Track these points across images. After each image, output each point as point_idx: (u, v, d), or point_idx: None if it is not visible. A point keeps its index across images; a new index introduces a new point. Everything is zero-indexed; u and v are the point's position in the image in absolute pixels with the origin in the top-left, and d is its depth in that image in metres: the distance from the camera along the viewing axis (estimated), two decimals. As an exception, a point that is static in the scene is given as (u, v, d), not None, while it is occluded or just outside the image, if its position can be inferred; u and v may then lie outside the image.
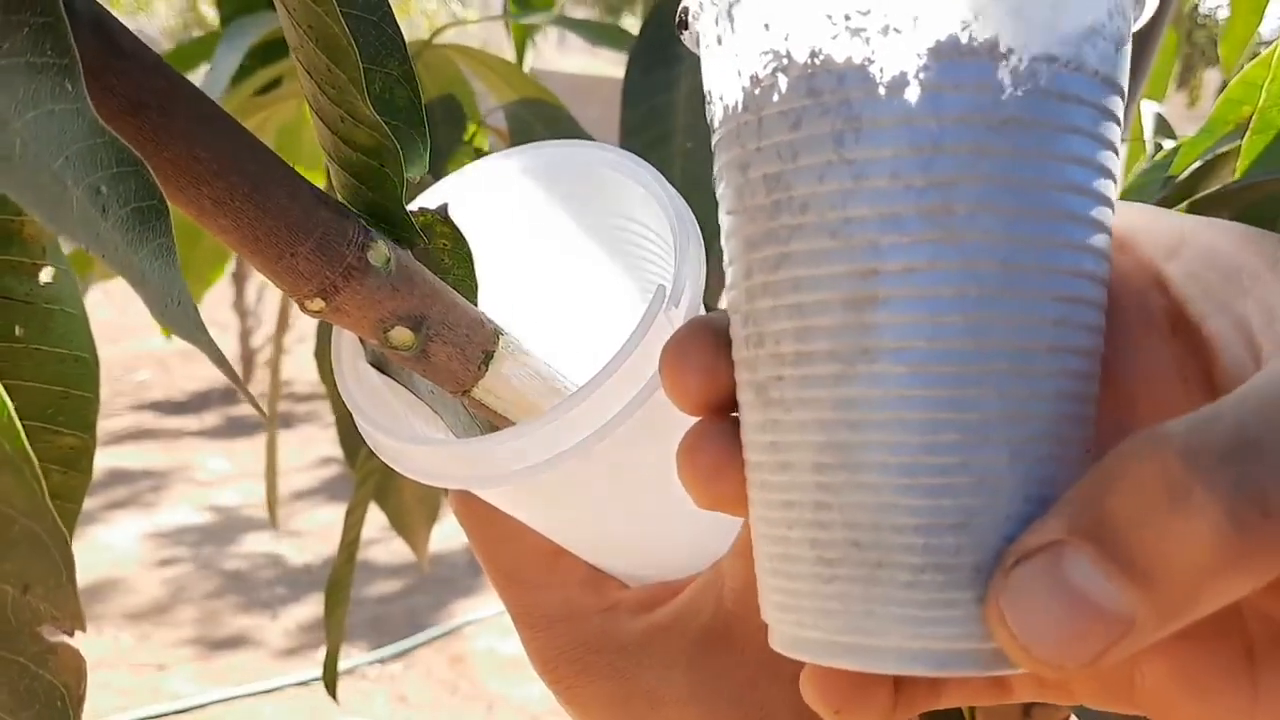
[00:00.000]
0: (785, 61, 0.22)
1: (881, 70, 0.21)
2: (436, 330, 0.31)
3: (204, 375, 4.60)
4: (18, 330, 0.36)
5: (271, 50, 0.95)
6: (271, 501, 0.92)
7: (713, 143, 0.25)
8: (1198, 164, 0.65)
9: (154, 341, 4.52)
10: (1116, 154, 0.23)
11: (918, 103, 0.21)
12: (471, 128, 0.82)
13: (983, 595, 0.21)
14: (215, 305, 4.33)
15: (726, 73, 0.23)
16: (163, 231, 0.20)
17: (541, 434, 0.31)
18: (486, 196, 0.37)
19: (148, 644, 2.69)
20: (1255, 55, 0.67)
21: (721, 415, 0.26)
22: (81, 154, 0.19)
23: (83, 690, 0.21)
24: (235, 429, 4.09)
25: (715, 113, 0.24)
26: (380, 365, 0.35)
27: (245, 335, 4.45)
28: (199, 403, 4.37)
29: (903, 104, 0.21)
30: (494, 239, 0.38)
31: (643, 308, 0.39)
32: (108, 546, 3.14)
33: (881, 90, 0.21)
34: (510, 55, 1.02)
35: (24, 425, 0.22)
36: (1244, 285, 0.23)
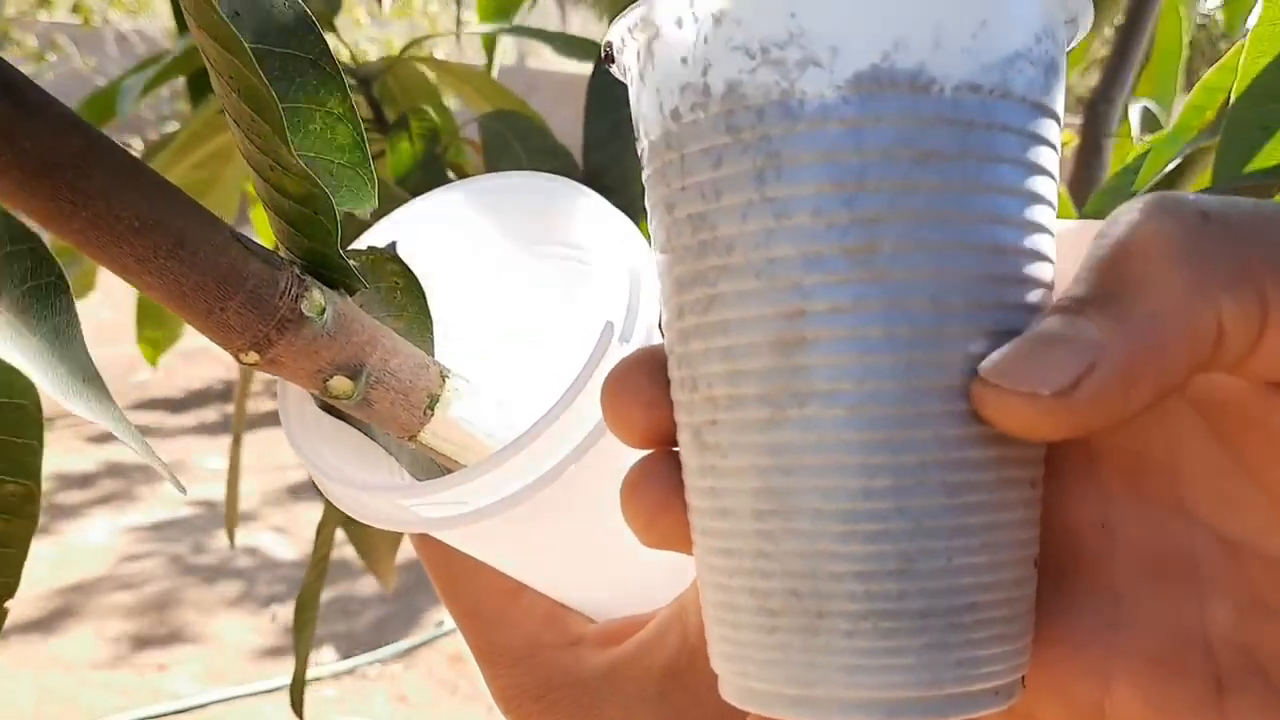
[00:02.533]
0: (705, 97, 0.21)
1: (801, 104, 0.20)
2: (378, 377, 0.31)
3: (203, 375, 4.60)
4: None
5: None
6: (231, 520, 0.91)
7: (643, 179, 0.24)
8: (1170, 168, 0.64)
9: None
10: (1053, 178, 0.22)
11: (838, 137, 0.20)
12: (446, 141, 0.81)
13: (931, 641, 0.21)
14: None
15: (650, 108, 0.22)
16: (63, 308, 0.20)
17: (488, 478, 0.30)
18: (435, 230, 0.37)
19: (148, 644, 2.69)
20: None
21: (667, 448, 0.25)
22: (-31, 235, 0.18)
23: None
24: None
25: (643, 149, 0.23)
26: (332, 409, 0.35)
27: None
28: (198, 402, 4.37)
29: (823, 138, 0.20)
30: (444, 273, 0.37)
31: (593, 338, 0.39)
32: (107, 546, 3.14)
33: (802, 125, 0.20)
34: (505, 62, 1.01)
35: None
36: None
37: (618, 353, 0.31)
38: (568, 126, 0.83)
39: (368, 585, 2.92)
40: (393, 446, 0.36)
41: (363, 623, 2.80)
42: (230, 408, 4.27)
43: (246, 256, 0.28)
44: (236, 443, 0.76)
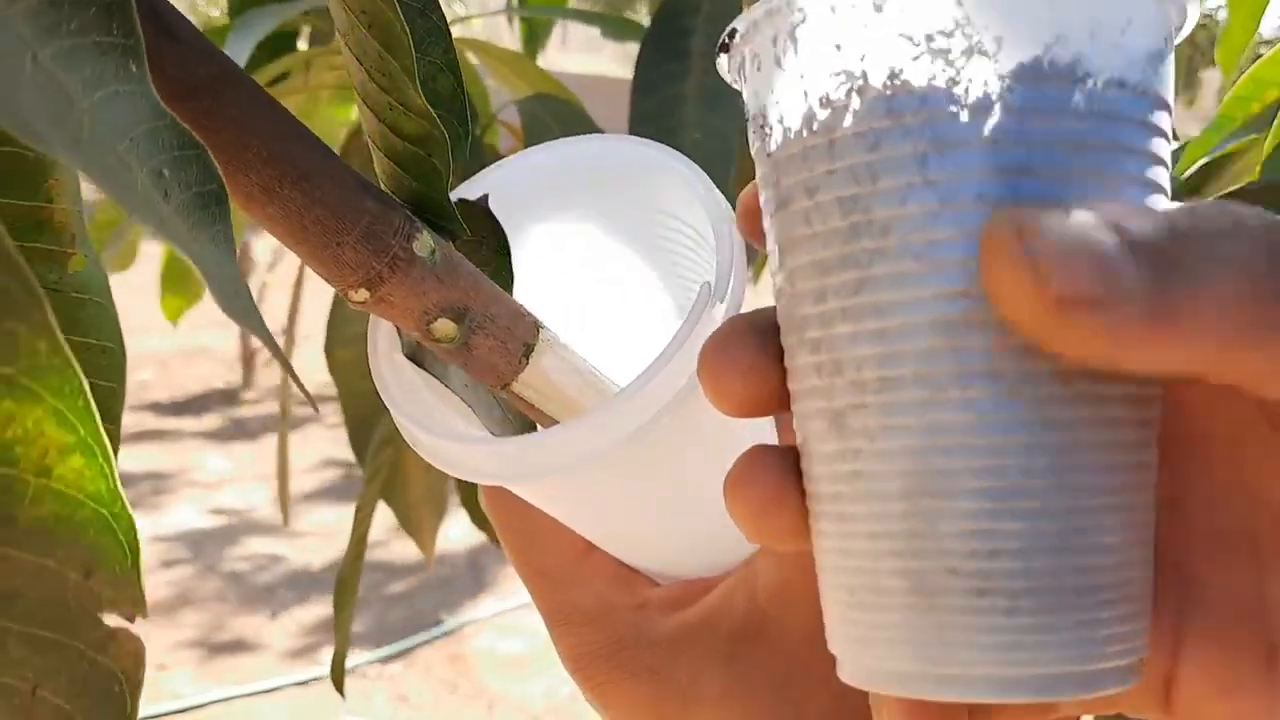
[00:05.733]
0: (860, 83, 0.21)
1: (966, 92, 0.21)
2: (479, 322, 0.31)
3: (205, 375, 4.59)
4: (47, 319, 0.35)
5: (279, 44, 0.94)
6: (284, 498, 0.91)
7: (761, 168, 0.24)
8: (1204, 161, 0.65)
9: (155, 341, 4.51)
10: (1168, 169, 0.23)
11: (1003, 125, 0.21)
12: (482, 122, 0.81)
13: (1084, 618, 0.21)
14: (215, 306, 4.31)
15: (788, 95, 0.23)
16: (221, 217, 0.20)
17: (585, 431, 0.30)
18: (527, 189, 0.37)
19: (148, 643, 2.68)
20: (1258, 56, 0.67)
21: (763, 416, 0.25)
22: (145, 136, 0.19)
23: (140, 676, 0.21)
24: (236, 429, 4.09)
25: (772, 135, 0.24)
26: (415, 358, 0.35)
27: (246, 335, 4.44)
28: (199, 403, 4.36)
29: (989, 126, 0.21)
30: (534, 232, 0.38)
31: (679, 305, 0.39)
32: (107, 545, 3.13)
33: (966, 113, 0.21)
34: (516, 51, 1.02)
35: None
36: None
37: (714, 313, 0.31)
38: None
39: (368, 586, 2.92)
40: (469, 398, 0.37)
41: (364, 622, 2.79)
42: (233, 410, 4.26)
43: (362, 194, 0.28)
44: (284, 419, 0.76)
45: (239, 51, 0.72)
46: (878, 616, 0.23)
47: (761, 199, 0.25)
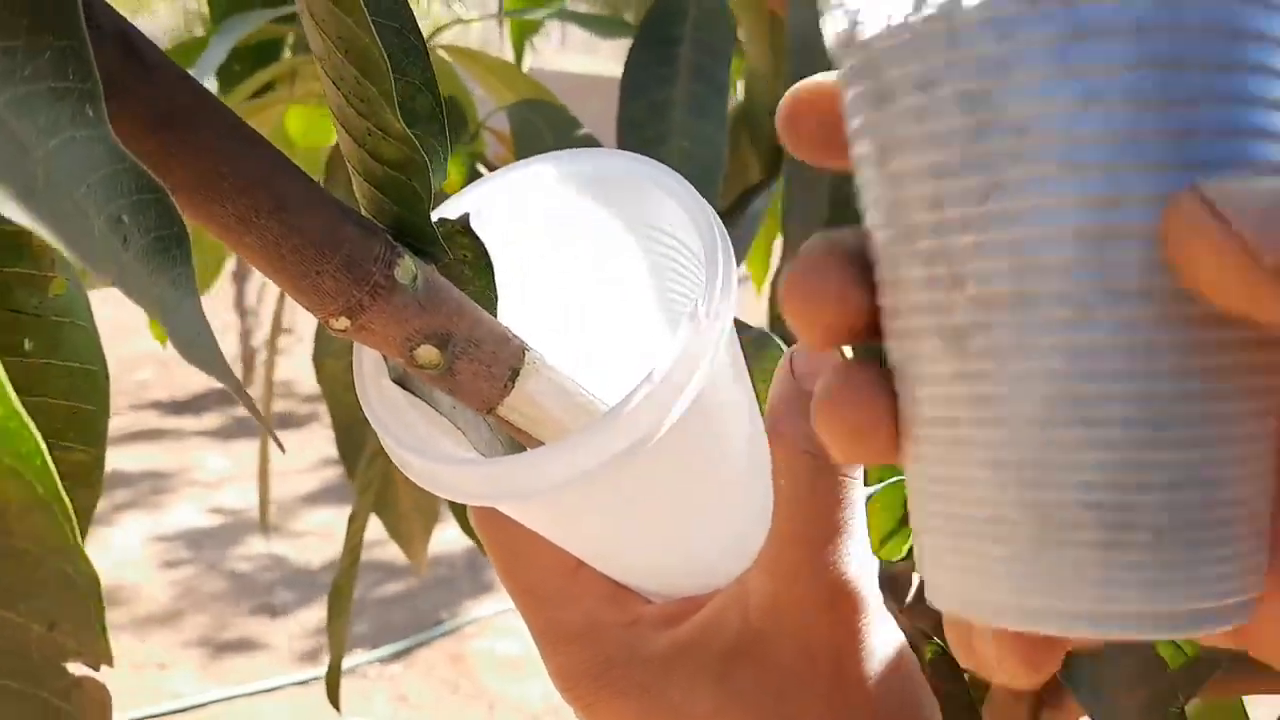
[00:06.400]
0: None
1: None
2: (463, 348, 0.31)
3: (204, 375, 4.59)
4: (27, 344, 0.35)
5: (264, 54, 0.94)
6: (264, 505, 0.91)
7: (851, 60, 0.22)
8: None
9: (155, 341, 4.51)
10: None
11: (1156, 10, 0.18)
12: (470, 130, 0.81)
13: (1225, 554, 0.20)
14: (215, 305, 4.33)
15: None
16: (182, 260, 0.20)
17: (569, 453, 0.30)
18: (514, 205, 0.37)
19: (148, 643, 2.69)
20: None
21: (852, 343, 0.24)
22: (103, 181, 0.18)
23: None
24: (236, 429, 4.08)
25: (865, 24, 0.21)
26: (402, 381, 0.35)
27: (245, 335, 4.44)
28: (199, 403, 4.36)
29: (1139, 11, 0.18)
30: (521, 248, 0.37)
31: (671, 321, 0.39)
32: (107, 547, 3.13)
33: None
34: (508, 56, 1.01)
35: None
36: None
37: (699, 337, 0.31)
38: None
39: (368, 586, 2.92)
40: (458, 420, 0.36)
41: (363, 623, 2.79)
42: (233, 409, 4.26)
43: (342, 221, 0.27)
44: (265, 426, 0.76)
45: (216, 56, 0.72)
46: (995, 549, 0.21)
47: (848, 95, 0.22)
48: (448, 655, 2.69)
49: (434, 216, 0.36)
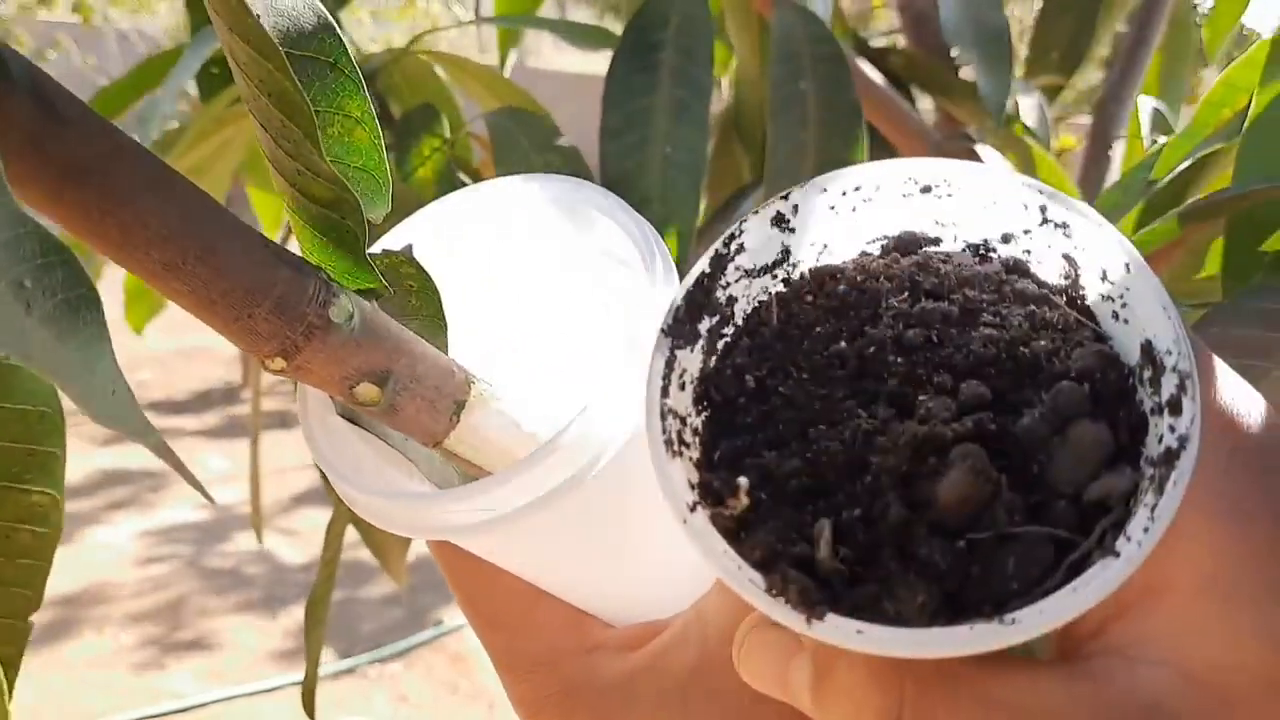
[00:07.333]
0: None
1: None
2: (404, 384, 0.30)
3: (204, 375, 4.59)
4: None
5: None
6: (256, 509, 0.91)
7: None
8: (1183, 165, 0.64)
9: (153, 341, 4.51)
10: None
11: None
12: (453, 136, 0.81)
13: None
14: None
15: None
16: (93, 321, 0.20)
17: (513, 485, 0.30)
18: (459, 230, 0.36)
19: (148, 644, 2.69)
20: (1231, 59, 0.65)
21: None
22: (3, 247, 0.18)
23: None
24: (235, 429, 4.08)
25: None
26: (350, 416, 0.34)
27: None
28: (198, 402, 4.36)
29: None
30: (468, 273, 0.37)
31: (617, 341, 0.39)
32: (107, 546, 3.14)
33: None
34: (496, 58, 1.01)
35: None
36: None
37: (643, 359, 0.30)
38: (569, 122, 0.83)
39: (368, 586, 2.92)
40: (410, 453, 0.36)
41: (363, 623, 2.79)
42: (232, 409, 4.26)
43: (275, 262, 0.27)
44: (255, 436, 0.76)
45: (188, 68, 0.71)
46: None
47: None
48: (448, 655, 2.69)
49: (376, 247, 0.35)
